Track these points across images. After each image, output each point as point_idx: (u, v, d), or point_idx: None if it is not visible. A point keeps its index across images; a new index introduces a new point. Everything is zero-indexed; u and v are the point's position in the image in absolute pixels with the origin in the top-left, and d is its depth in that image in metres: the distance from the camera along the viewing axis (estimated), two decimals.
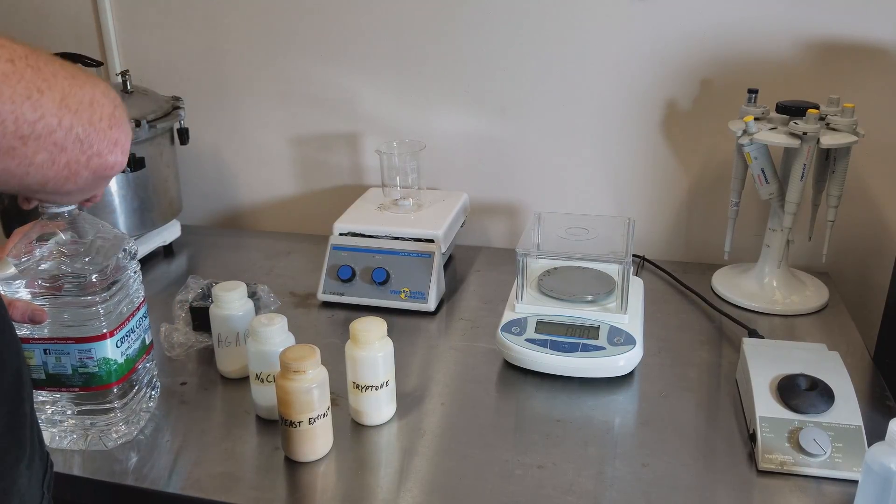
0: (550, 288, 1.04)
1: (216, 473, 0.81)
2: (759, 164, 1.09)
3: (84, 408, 0.84)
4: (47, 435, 0.85)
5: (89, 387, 0.82)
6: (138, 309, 0.87)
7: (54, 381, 0.82)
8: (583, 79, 1.29)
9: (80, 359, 0.81)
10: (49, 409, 0.84)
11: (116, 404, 0.84)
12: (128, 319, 0.84)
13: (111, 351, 0.81)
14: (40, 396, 0.84)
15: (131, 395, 0.86)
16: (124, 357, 0.84)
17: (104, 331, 0.81)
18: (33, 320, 0.76)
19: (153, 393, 0.92)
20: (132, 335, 0.85)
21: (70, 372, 0.81)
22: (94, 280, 0.79)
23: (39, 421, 0.84)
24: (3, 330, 0.60)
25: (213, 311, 0.95)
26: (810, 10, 1.16)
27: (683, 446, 0.85)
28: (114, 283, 0.82)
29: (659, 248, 1.36)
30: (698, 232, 1.34)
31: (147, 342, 0.90)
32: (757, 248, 1.19)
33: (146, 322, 0.89)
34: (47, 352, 0.81)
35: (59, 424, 0.85)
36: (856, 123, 1.06)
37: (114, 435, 0.85)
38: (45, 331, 0.80)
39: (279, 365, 0.80)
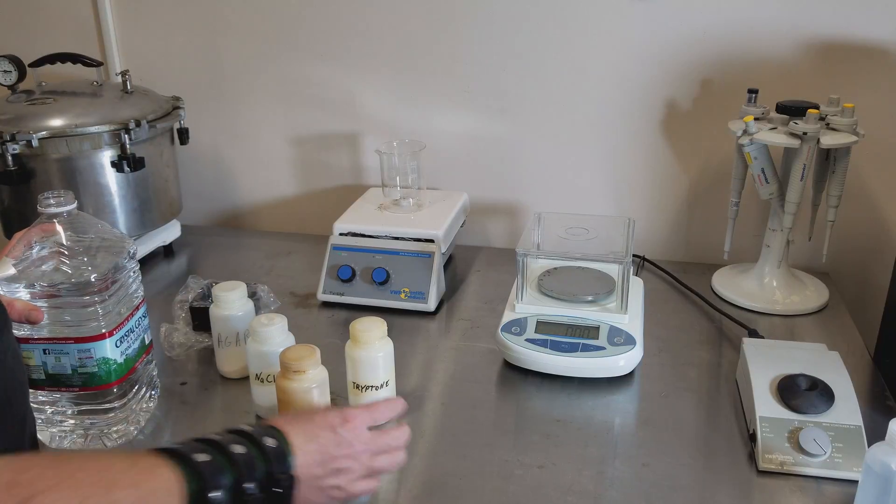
0: (550, 288, 1.04)
1: None
2: (759, 164, 1.09)
3: (84, 407, 0.83)
4: (47, 435, 0.85)
5: (89, 387, 0.82)
6: (137, 309, 0.87)
7: (54, 381, 0.82)
8: (583, 79, 1.29)
9: (80, 359, 0.81)
10: (49, 409, 0.84)
11: (116, 404, 0.84)
12: (127, 319, 0.84)
13: (110, 351, 0.81)
14: (40, 396, 0.83)
15: (131, 394, 0.86)
16: (124, 357, 0.83)
17: (103, 331, 0.81)
18: (30, 320, 0.76)
19: (153, 393, 0.92)
20: (131, 335, 0.85)
21: (69, 372, 0.81)
22: (93, 280, 0.79)
23: (39, 421, 0.84)
24: (14, 385, 0.64)
25: (213, 311, 0.95)
26: (810, 10, 1.16)
27: (683, 446, 0.84)
28: (113, 283, 0.81)
29: (659, 248, 1.36)
30: (698, 232, 1.34)
31: (147, 342, 0.90)
32: (757, 248, 1.19)
33: (145, 322, 0.89)
34: (47, 352, 0.81)
35: (58, 424, 0.85)
36: (856, 123, 1.06)
37: (114, 435, 0.85)
38: (45, 331, 0.80)
39: (279, 365, 0.80)
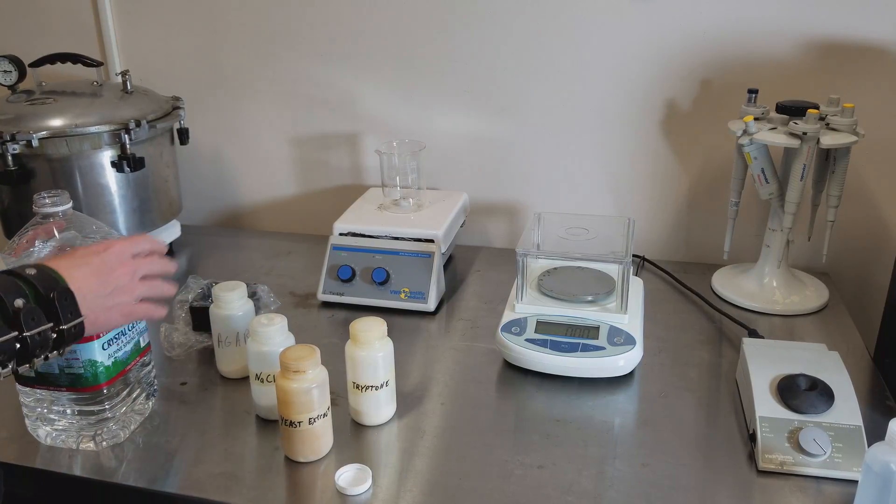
0: (550, 288, 1.04)
1: (216, 473, 0.81)
2: (759, 164, 1.09)
3: (80, 407, 0.83)
4: (42, 433, 0.85)
5: (76, 387, 0.81)
6: None
7: (43, 380, 0.82)
8: (583, 79, 1.29)
9: (67, 359, 0.80)
10: (47, 408, 0.84)
11: (107, 405, 0.84)
12: None
13: (98, 353, 0.81)
14: (38, 394, 0.83)
15: (122, 396, 0.86)
16: (112, 359, 0.82)
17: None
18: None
19: (150, 394, 0.92)
20: (122, 338, 0.84)
21: (57, 371, 0.81)
22: None
23: (37, 420, 0.84)
24: None
25: (213, 311, 0.95)
26: (810, 10, 1.16)
27: (683, 446, 0.84)
28: None
29: (659, 248, 1.36)
30: (698, 232, 1.34)
31: (142, 345, 0.89)
32: (757, 248, 1.19)
33: (141, 324, 0.88)
34: None
35: (54, 423, 0.84)
36: (856, 123, 1.06)
37: (105, 435, 0.84)
38: None
39: (279, 365, 0.80)
